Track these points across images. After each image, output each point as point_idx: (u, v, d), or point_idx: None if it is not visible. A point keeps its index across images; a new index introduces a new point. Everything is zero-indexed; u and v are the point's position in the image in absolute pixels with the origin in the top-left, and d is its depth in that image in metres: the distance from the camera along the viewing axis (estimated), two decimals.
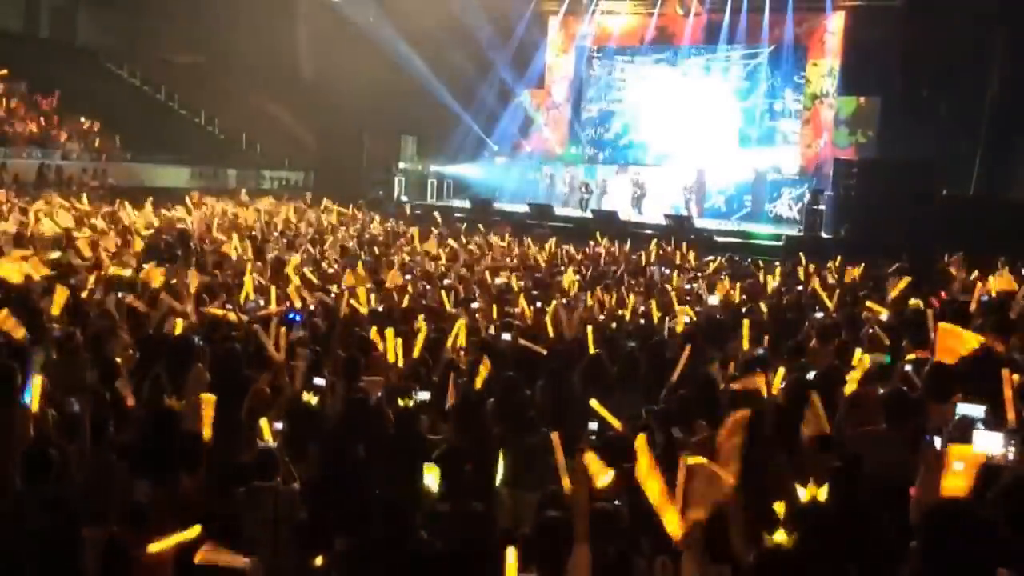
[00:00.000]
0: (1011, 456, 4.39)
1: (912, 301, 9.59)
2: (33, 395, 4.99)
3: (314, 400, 5.73)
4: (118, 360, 6.04)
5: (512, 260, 15.14)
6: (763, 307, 10.05)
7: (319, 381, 6.08)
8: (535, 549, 3.37)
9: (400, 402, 5.82)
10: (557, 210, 25.20)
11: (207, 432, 4.66)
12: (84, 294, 8.51)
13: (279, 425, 5.26)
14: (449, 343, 7.47)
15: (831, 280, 12.77)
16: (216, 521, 3.88)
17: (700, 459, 3.47)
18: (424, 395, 6.10)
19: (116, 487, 4.62)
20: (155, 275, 9.37)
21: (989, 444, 4.38)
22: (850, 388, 5.71)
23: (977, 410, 4.77)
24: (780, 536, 3.45)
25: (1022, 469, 4.21)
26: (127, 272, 10.02)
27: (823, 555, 3.57)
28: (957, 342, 5.89)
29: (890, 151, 22.61)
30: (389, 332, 6.71)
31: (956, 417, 4.85)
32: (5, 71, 25.52)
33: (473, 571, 3.93)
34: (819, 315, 9.89)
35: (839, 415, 5.48)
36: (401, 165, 28.22)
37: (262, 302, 8.80)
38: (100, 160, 24.78)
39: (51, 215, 14.38)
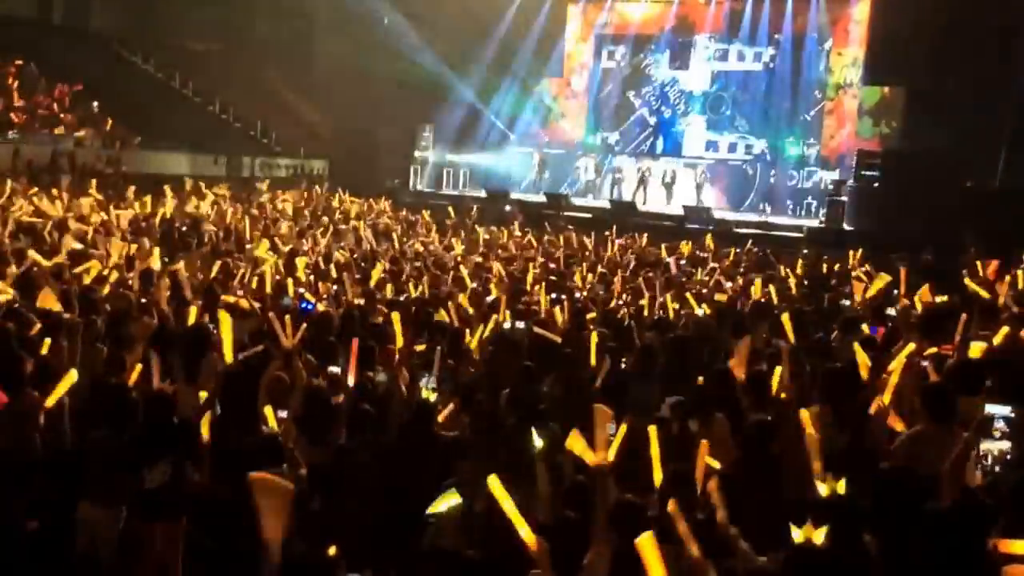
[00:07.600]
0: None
1: (940, 298, 9.24)
2: (57, 390, 5.04)
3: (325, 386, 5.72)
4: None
5: (531, 251, 14.89)
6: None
7: (333, 369, 6.10)
8: (550, 547, 3.15)
9: (416, 393, 5.81)
10: (574, 200, 25.02)
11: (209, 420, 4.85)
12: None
13: (283, 413, 5.24)
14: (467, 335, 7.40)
15: (855, 273, 12.47)
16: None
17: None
18: (431, 383, 6.12)
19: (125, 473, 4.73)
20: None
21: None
22: (893, 380, 5.43)
23: (1003, 409, 4.79)
24: (810, 532, 3.40)
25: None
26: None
27: (852, 551, 3.51)
28: None
29: (914, 142, 22.32)
30: (395, 317, 6.63)
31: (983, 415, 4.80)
32: (20, 61, 25.49)
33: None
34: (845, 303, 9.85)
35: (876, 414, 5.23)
36: (417, 154, 28.08)
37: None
38: (114, 147, 24.67)
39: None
